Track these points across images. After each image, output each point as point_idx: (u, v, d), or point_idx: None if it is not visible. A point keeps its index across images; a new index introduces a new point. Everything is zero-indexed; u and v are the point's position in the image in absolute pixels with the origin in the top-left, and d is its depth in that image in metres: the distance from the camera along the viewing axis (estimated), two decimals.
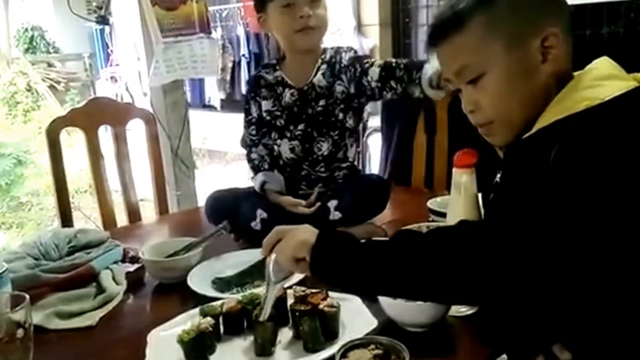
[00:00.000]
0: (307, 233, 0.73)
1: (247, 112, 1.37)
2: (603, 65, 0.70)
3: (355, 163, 1.41)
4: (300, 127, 1.30)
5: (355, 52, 1.31)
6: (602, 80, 0.66)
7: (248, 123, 1.37)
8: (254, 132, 1.37)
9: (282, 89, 1.32)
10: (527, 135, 0.69)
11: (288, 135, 1.32)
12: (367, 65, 1.22)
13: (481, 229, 0.66)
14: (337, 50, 1.31)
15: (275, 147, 1.33)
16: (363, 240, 0.71)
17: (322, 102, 1.29)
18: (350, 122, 1.31)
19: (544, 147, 0.63)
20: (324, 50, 1.32)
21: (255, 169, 1.35)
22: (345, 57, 1.28)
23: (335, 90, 1.28)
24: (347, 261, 0.69)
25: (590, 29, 2.56)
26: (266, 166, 1.34)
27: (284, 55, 1.34)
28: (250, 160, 1.37)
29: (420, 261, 0.64)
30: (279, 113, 1.32)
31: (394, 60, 1.20)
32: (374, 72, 1.20)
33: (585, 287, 0.58)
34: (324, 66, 1.30)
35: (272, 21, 1.26)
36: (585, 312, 0.60)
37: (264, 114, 1.33)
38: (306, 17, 1.20)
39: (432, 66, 1.08)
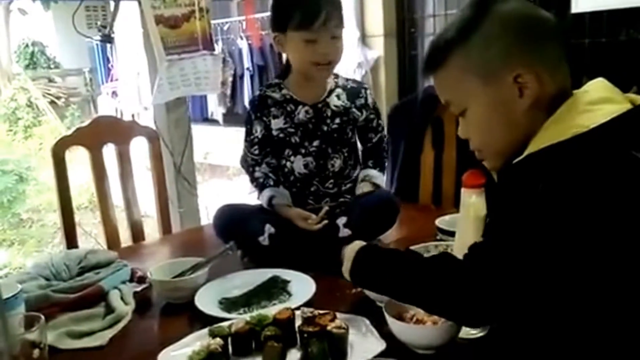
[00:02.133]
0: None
1: (249, 132, 1.40)
2: (596, 87, 0.73)
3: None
4: (315, 143, 1.35)
5: (374, 101, 1.45)
6: (593, 105, 0.69)
7: (250, 143, 1.39)
8: (256, 152, 1.39)
9: (293, 107, 1.36)
10: (516, 160, 0.72)
11: (302, 151, 1.35)
12: (380, 128, 1.44)
13: (470, 264, 0.70)
14: (361, 85, 1.43)
15: (288, 164, 1.37)
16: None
17: (337, 120, 1.36)
18: (356, 141, 1.40)
19: (532, 173, 0.67)
20: (337, 75, 1.40)
21: (261, 187, 1.38)
22: (369, 97, 1.41)
23: (351, 113, 1.37)
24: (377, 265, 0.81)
25: (606, 36, 2.56)
26: (272, 183, 1.37)
27: (287, 73, 1.38)
28: (254, 179, 1.40)
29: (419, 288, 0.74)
30: (292, 130, 1.35)
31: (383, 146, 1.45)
32: (373, 137, 1.43)
33: (577, 316, 0.61)
34: (339, 90, 1.38)
35: (289, 46, 1.30)
36: (578, 340, 0.63)
37: (276, 132, 1.36)
38: (326, 53, 1.27)
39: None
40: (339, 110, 1.36)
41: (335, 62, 1.31)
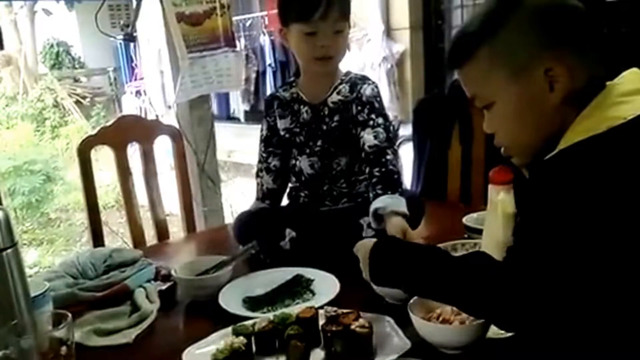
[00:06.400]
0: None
1: (261, 129, 1.44)
2: (630, 79, 0.71)
3: None
4: (319, 143, 1.35)
5: (377, 90, 1.33)
6: (626, 96, 0.68)
7: (260, 140, 1.43)
8: (262, 149, 1.42)
9: (298, 106, 1.36)
10: (549, 156, 0.71)
11: (307, 151, 1.36)
12: (371, 122, 1.27)
13: (507, 268, 0.69)
14: (365, 79, 1.34)
15: (297, 163, 1.38)
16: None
17: (336, 118, 1.32)
18: None
19: (566, 168, 0.65)
20: (347, 73, 1.36)
21: (257, 195, 1.43)
22: (367, 90, 1.30)
23: (350, 109, 1.31)
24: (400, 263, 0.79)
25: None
26: (260, 195, 1.41)
27: (300, 71, 1.38)
28: (257, 183, 1.44)
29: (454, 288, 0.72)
30: (297, 130, 1.36)
31: (388, 159, 1.24)
32: (369, 139, 1.26)
33: (618, 316, 0.60)
34: (343, 85, 1.33)
35: (292, 40, 1.29)
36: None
37: (282, 132, 1.38)
38: (327, 47, 1.24)
39: (377, 206, 1.17)
40: (336, 106, 1.31)
41: (336, 58, 1.28)
